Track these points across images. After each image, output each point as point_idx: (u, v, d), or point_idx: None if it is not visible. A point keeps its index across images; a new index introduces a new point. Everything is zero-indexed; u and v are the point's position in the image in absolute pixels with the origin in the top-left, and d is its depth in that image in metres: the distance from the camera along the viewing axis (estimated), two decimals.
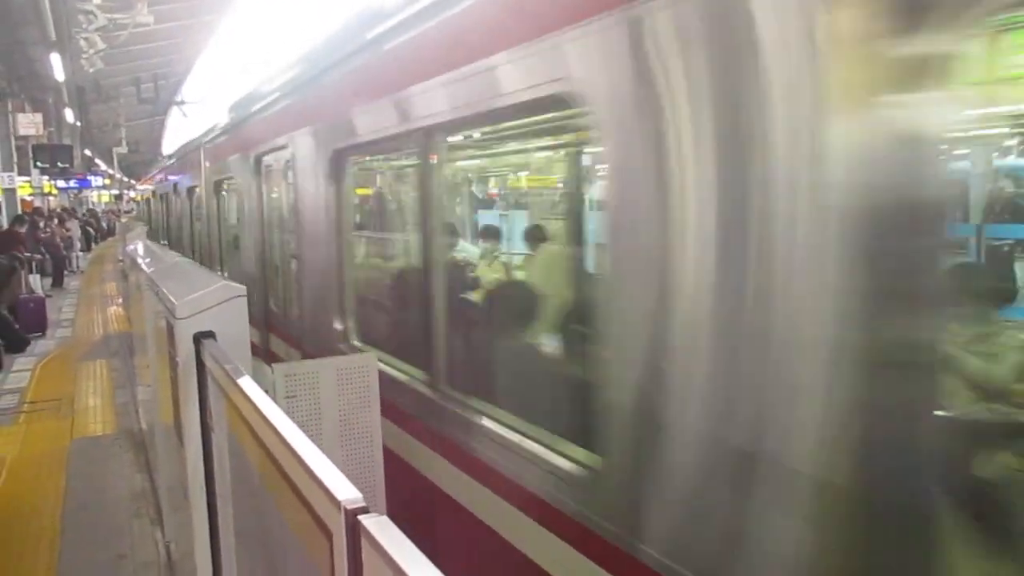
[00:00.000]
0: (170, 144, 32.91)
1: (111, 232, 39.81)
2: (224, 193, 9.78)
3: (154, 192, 21.17)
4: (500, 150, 8.33)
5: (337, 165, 4.91)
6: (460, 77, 3.15)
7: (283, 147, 6.04)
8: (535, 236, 6.89)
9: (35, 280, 17.19)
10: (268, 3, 24.40)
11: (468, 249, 7.59)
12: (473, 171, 10.91)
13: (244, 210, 7.92)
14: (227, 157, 8.62)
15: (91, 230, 37.17)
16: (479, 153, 8.69)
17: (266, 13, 25.05)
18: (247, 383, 2.14)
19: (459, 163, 8.90)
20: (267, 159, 6.83)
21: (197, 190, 11.60)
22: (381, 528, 1.18)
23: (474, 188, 11.90)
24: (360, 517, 1.23)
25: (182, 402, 3.12)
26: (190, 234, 12.76)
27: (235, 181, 8.32)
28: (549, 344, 4.03)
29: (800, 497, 1.69)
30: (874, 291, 1.58)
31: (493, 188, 13.98)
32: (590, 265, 5.23)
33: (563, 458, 2.60)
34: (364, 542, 1.20)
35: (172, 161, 16.98)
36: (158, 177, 20.45)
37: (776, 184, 1.71)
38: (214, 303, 3.06)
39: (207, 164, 10.22)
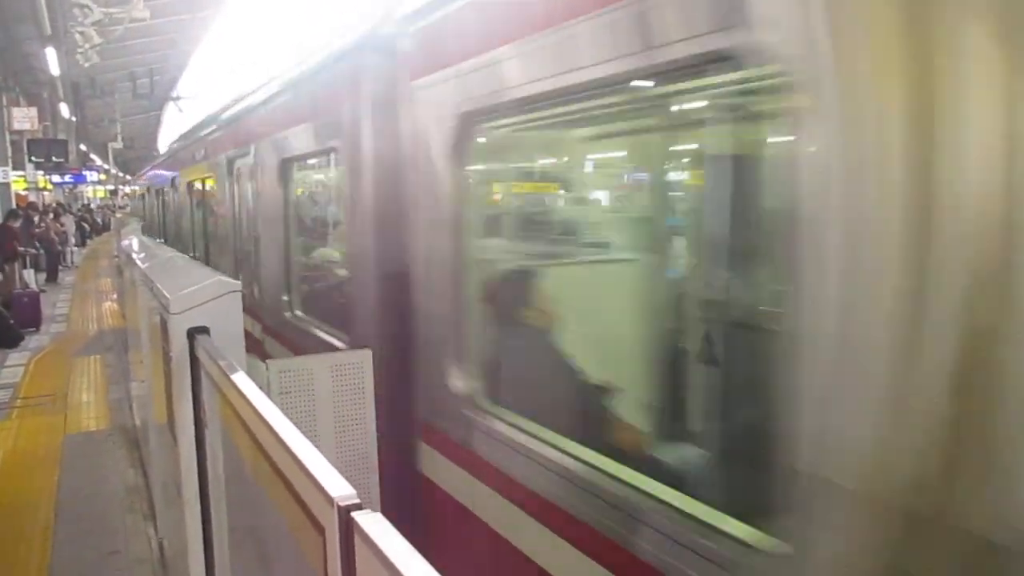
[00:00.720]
0: (170, 134, 30.79)
1: (106, 227, 39.73)
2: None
3: (173, 182, 13.30)
4: None
5: None
6: None
7: None
8: None
9: (29, 275, 17.15)
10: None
11: None
12: None
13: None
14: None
15: (86, 225, 37.09)
16: None
17: (260, 9, 24.99)
18: (241, 379, 2.13)
19: None
20: None
21: (313, 171, 6.35)
22: (375, 525, 1.17)
23: None
24: (353, 514, 1.22)
25: (175, 398, 3.11)
26: (283, 260, 5.75)
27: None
28: None
29: None
30: None
31: None
32: None
33: None
34: (357, 539, 1.19)
35: (215, 129, 9.14)
36: (177, 159, 13.32)
37: None
38: (208, 298, 3.05)
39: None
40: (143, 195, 21.84)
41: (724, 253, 4.15)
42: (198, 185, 10.65)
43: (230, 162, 7.55)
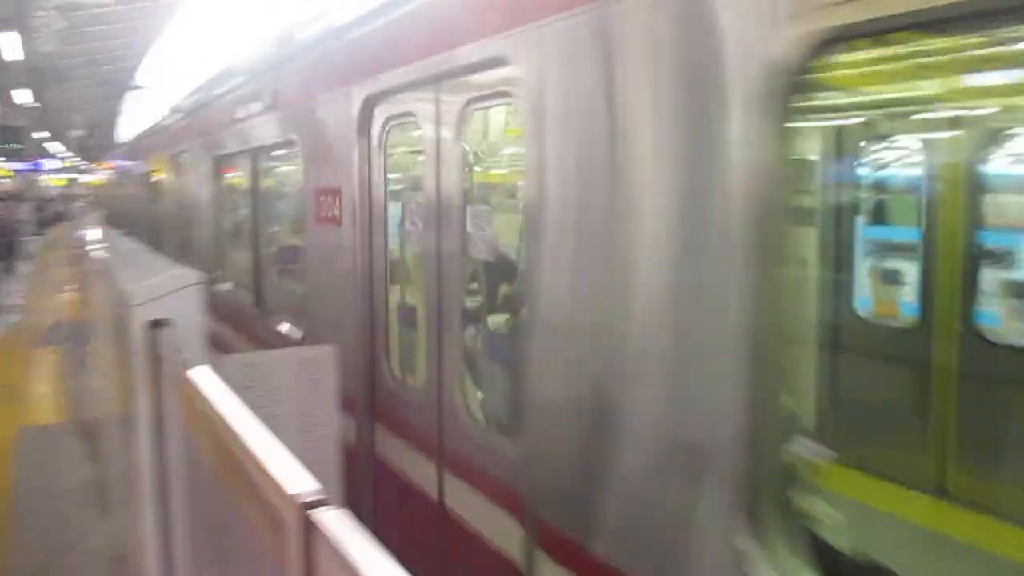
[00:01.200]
0: (130, 123, 29.45)
1: (65, 217, 39.03)
2: None
3: (174, 160, 9.00)
4: None
5: None
6: None
7: None
8: None
9: None
10: None
11: None
12: None
13: None
14: None
15: (44, 214, 36.38)
16: None
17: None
18: (202, 372, 2.11)
19: None
20: None
21: None
22: (336, 521, 1.17)
23: None
24: (315, 510, 1.21)
25: (135, 391, 3.06)
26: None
27: None
28: None
29: None
30: None
31: None
32: None
33: None
34: (317, 535, 1.19)
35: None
36: (200, 122, 8.02)
37: None
38: (169, 290, 3.01)
39: None
40: (117, 183, 16.47)
41: None
42: (244, 164, 6.34)
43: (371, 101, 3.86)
